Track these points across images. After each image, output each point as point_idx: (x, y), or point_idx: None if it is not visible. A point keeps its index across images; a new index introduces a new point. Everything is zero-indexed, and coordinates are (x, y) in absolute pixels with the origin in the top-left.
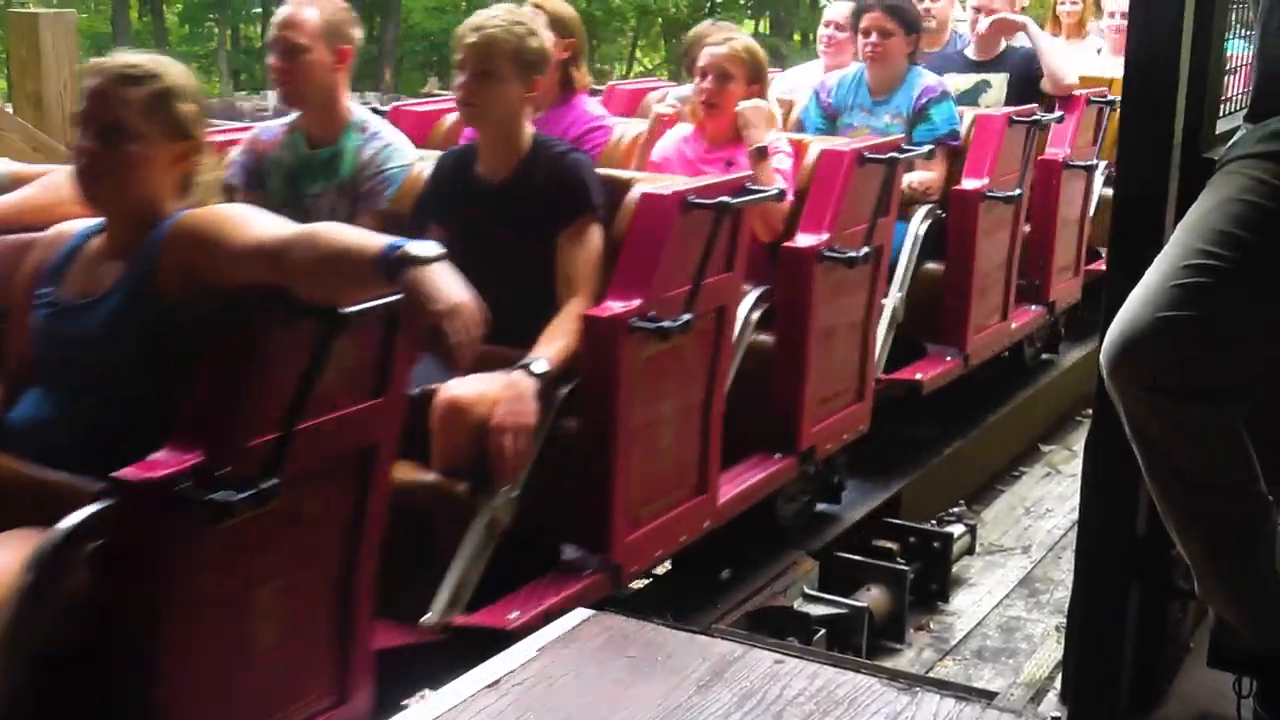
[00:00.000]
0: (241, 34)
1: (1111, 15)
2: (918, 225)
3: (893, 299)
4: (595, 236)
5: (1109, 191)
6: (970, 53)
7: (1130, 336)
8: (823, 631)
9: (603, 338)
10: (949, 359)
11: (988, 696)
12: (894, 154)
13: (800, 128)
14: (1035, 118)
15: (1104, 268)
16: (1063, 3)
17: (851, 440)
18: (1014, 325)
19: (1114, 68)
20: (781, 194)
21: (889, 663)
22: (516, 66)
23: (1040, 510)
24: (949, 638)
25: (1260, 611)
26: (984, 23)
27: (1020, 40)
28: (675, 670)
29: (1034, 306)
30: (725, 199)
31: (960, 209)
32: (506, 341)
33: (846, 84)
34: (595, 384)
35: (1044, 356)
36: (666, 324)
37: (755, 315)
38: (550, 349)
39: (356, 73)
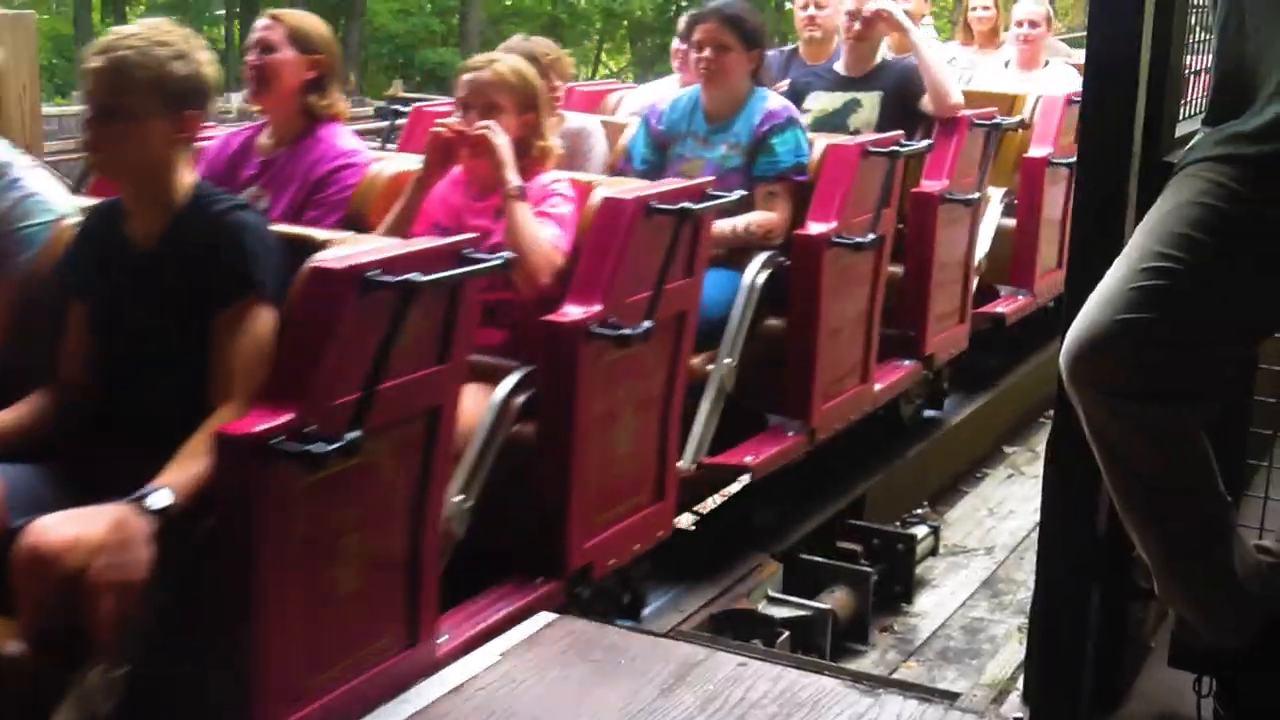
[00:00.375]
0: (205, 35)
1: (1020, 24)
2: (754, 275)
3: (720, 366)
4: (260, 322)
5: (1009, 222)
6: (840, 67)
7: (1089, 339)
8: (786, 634)
9: (236, 463)
10: (790, 434)
11: (950, 698)
12: (687, 204)
13: (628, 159)
14: (893, 148)
15: (999, 309)
16: (974, 9)
17: (647, 549)
18: (878, 387)
19: (1019, 83)
20: (508, 263)
21: (853, 664)
22: (158, 100)
23: (1003, 511)
24: (913, 639)
25: (1219, 611)
26: (872, 4)
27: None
28: (638, 673)
29: (906, 362)
30: (412, 277)
31: (804, 257)
32: (155, 454)
33: (681, 108)
34: (232, 521)
35: (927, 414)
36: (319, 447)
37: (519, 400)
38: (182, 474)
39: None
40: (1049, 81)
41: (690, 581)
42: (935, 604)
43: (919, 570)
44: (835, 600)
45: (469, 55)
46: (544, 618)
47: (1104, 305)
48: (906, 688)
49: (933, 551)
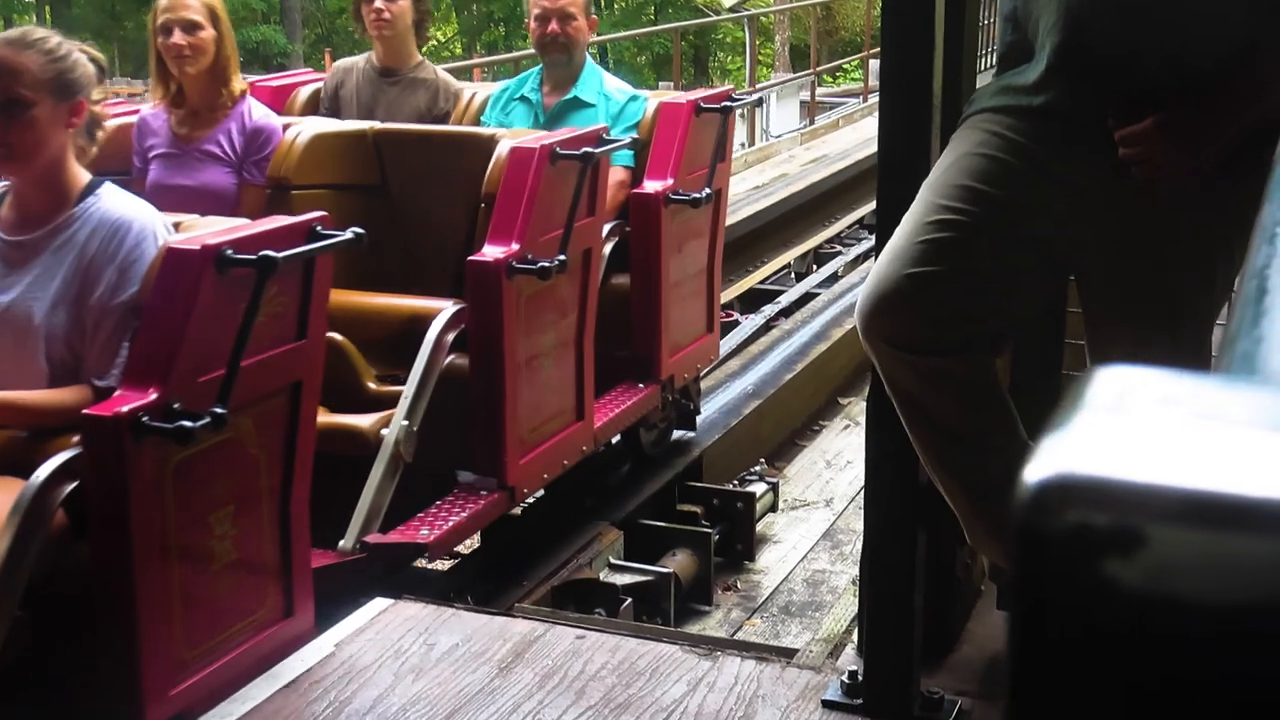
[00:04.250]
0: (16, 23)
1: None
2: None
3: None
4: None
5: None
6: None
7: (878, 295)
8: (629, 600)
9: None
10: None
11: (788, 655)
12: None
13: None
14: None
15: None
16: None
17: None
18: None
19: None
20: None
21: (697, 626)
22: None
23: (840, 463)
24: (756, 596)
25: None
26: None
27: None
28: (476, 654)
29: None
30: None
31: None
32: None
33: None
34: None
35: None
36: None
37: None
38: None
39: None
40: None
41: (531, 555)
42: (777, 559)
43: (760, 527)
44: (677, 563)
45: (292, 33)
46: (379, 604)
47: (891, 261)
48: (745, 648)
49: (772, 508)
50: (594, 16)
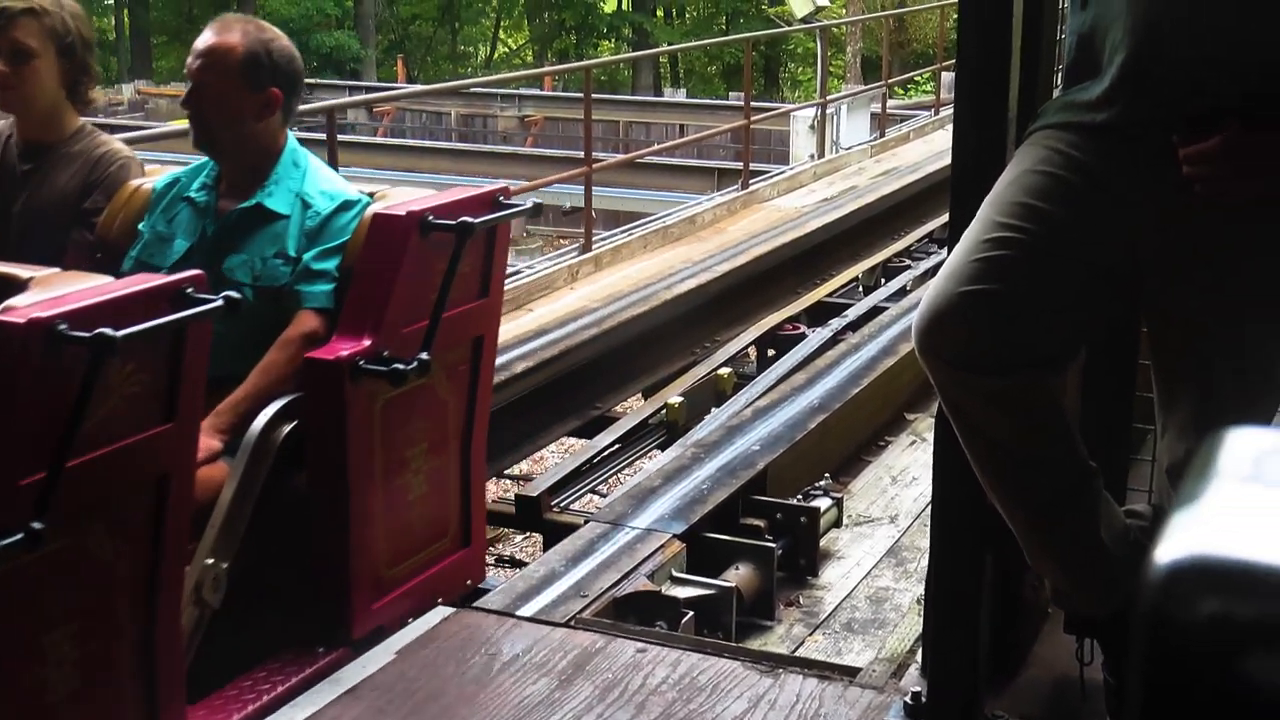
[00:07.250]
0: (96, 25)
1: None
2: None
3: None
4: None
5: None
6: None
7: (934, 312)
8: (691, 614)
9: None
10: None
11: (850, 674)
12: (467, 218)
13: None
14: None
15: None
16: None
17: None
18: None
19: None
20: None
21: (759, 640)
22: None
23: (906, 479)
24: (819, 611)
25: (1084, 579)
26: None
27: None
28: (536, 665)
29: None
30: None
31: None
32: None
33: None
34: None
35: None
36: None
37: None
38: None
39: None
40: None
41: (591, 566)
42: (841, 575)
43: (823, 543)
44: (739, 577)
45: (366, 39)
46: (440, 612)
47: (948, 278)
48: (807, 665)
49: (836, 523)
50: (274, 89)
